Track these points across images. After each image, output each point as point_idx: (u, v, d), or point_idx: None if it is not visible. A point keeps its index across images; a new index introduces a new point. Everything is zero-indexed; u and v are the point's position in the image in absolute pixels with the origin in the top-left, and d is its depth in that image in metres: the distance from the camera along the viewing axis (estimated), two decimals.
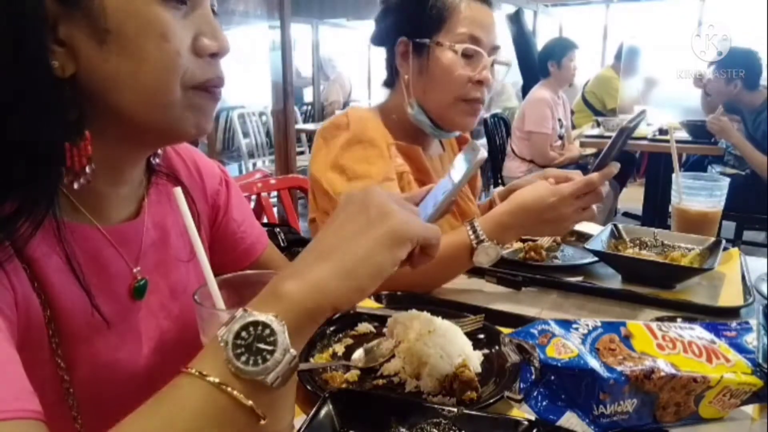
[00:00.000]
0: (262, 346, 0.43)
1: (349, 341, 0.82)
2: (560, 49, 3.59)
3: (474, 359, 0.73)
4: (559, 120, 3.62)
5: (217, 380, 0.42)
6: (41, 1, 0.51)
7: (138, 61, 0.55)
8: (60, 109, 0.54)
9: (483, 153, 0.68)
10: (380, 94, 1.31)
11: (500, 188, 1.40)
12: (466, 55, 1.14)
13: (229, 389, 0.42)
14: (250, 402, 0.42)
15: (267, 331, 0.43)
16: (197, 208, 0.79)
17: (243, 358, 0.42)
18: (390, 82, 1.27)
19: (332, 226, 0.52)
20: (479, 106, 1.19)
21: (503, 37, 4.95)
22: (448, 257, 0.93)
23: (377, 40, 1.26)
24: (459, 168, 0.71)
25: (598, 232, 1.21)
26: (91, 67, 0.55)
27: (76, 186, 0.58)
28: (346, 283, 0.47)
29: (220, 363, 0.43)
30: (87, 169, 0.58)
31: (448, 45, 1.13)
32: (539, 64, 3.68)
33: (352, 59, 7.69)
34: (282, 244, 1.27)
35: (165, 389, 0.43)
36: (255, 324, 0.43)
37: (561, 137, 3.67)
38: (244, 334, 0.43)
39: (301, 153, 5.31)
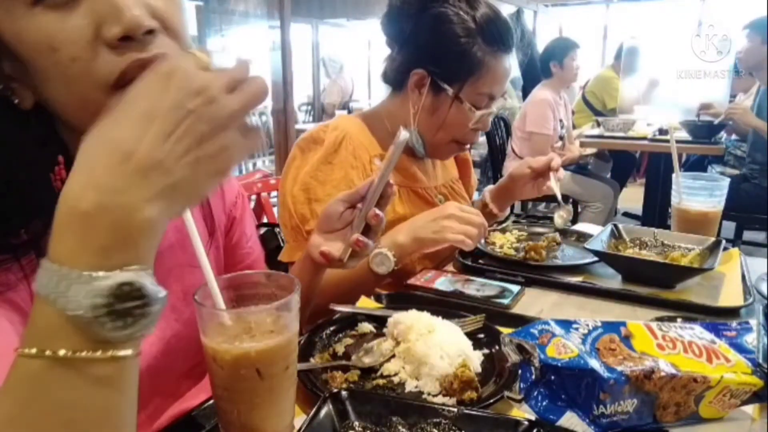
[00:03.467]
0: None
1: (349, 341, 0.82)
2: (562, 48, 3.59)
3: (474, 359, 0.73)
4: (560, 121, 3.62)
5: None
6: None
7: (47, 81, 0.52)
8: (30, 138, 0.55)
9: (404, 135, 0.70)
10: (381, 91, 1.29)
11: (491, 186, 1.40)
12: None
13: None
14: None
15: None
16: (214, 212, 0.80)
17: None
18: (393, 83, 1.23)
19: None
20: (469, 144, 1.25)
21: None
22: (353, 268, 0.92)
23: (388, 31, 1.21)
24: (389, 152, 0.73)
25: (598, 232, 1.21)
26: (38, 95, 0.54)
27: None
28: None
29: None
30: None
31: (468, 107, 1.14)
32: (541, 65, 3.68)
33: (353, 59, 7.70)
34: (281, 244, 1.27)
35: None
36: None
37: (561, 138, 3.67)
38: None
39: None
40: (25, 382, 0.40)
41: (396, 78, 1.21)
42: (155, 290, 0.41)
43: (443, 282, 1.06)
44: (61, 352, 0.38)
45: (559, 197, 1.31)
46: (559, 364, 0.65)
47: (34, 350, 0.39)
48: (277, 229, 1.37)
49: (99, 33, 0.50)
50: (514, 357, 0.69)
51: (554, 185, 1.29)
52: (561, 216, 1.35)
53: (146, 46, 0.52)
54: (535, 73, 3.98)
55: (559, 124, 3.60)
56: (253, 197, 1.82)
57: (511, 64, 1.18)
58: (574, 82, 3.75)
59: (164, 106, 0.40)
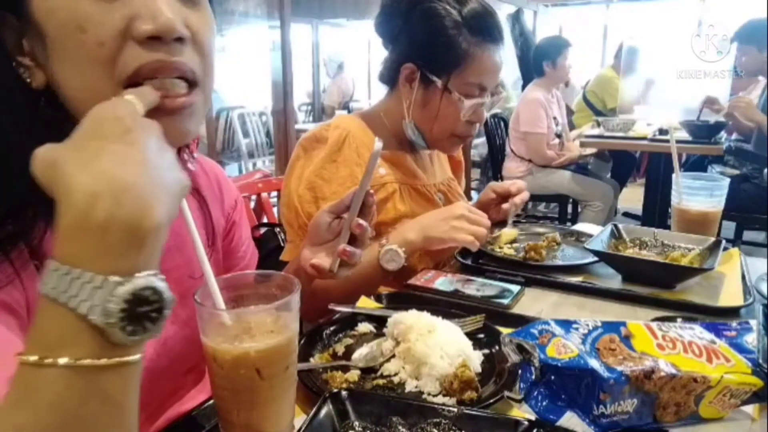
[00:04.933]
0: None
1: (349, 341, 0.82)
2: (555, 48, 3.61)
3: (474, 359, 0.73)
4: (555, 118, 3.64)
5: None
6: (3, 19, 0.53)
7: (65, 61, 0.53)
8: (37, 118, 0.55)
9: (377, 145, 0.73)
10: (380, 91, 1.31)
11: (494, 183, 1.40)
12: (472, 105, 1.16)
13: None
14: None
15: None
16: (213, 219, 0.81)
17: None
18: (388, 82, 1.26)
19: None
20: (469, 138, 1.24)
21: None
22: (362, 265, 0.94)
23: (380, 32, 1.24)
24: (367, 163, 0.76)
25: (598, 232, 1.21)
26: (49, 76, 0.55)
27: None
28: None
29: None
30: None
31: (458, 97, 1.14)
32: (534, 64, 3.70)
33: (353, 59, 7.69)
34: (282, 244, 1.27)
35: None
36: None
37: (559, 135, 3.67)
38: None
39: None
40: (37, 392, 0.38)
41: (390, 76, 1.23)
42: (169, 294, 0.41)
43: (443, 282, 1.06)
44: (71, 360, 0.38)
45: (509, 222, 1.31)
46: (559, 364, 0.65)
47: (36, 357, 0.38)
48: (277, 229, 1.37)
49: (130, 27, 0.52)
50: (514, 357, 0.69)
51: (510, 209, 1.28)
52: (503, 233, 1.31)
53: (173, 51, 0.54)
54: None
55: (554, 121, 3.61)
56: (253, 197, 1.82)
57: (502, 57, 1.18)
58: (566, 81, 3.77)
59: (130, 126, 0.42)
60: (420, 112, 1.19)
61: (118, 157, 0.40)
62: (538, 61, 3.63)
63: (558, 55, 3.55)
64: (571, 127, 4.47)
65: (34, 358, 0.38)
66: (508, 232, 1.32)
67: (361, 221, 0.78)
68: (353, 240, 0.80)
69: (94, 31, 0.51)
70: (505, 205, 1.28)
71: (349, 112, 5.63)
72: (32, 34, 0.53)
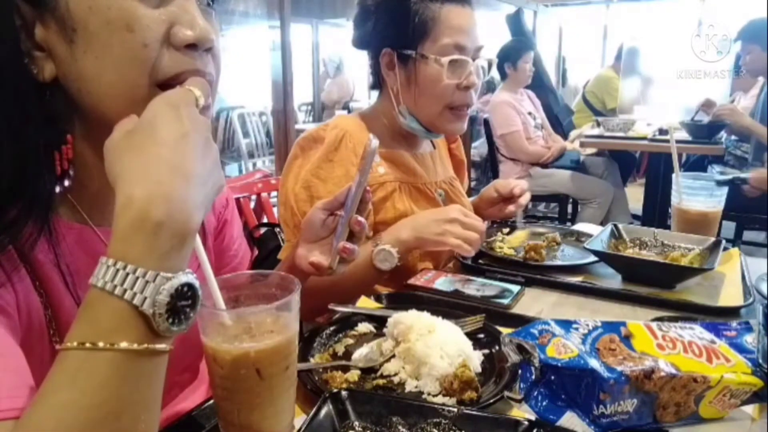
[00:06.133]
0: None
1: (349, 341, 0.82)
2: (516, 51, 3.62)
3: (474, 359, 0.73)
4: (530, 113, 3.66)
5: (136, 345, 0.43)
6: (14, 7, 0.52)
7: (102, 57, 0.53)
8: (41, 113, 0.55)
9: (374, 142, 0.74)
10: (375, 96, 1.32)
11: (498, 182, 1.40)
12: (452, 64, 1.14)
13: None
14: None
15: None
16: (205, 219, 0.80)
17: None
18: (377, 85, 1.28)
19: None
20: (466, 110, 1.21)
21: (502, 38, 4.96)
22: (356, 264, 0.94)
23: (359, 44, 1.27)
24: (362, 160, 0.77)
25: (598, 232, 1.21)
26: (66, 69, 0.55)
27: (57, 190, 0.59)
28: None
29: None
30: (70, 172, 0.59)
31: (434, 58, 1.14)
32: (497, 67, 3.72)
33: (353, 59, 7.69)
34: (282, 244, 1.27)
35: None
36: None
37: (540, 127, 3.69)
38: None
39: None
40: (84, 373, 0.41)
41: (377, 74, 1.25)
42: (201, 293, 0.47)
43: (443, 282, 1.06)
44: (123, 345, 0.42)
45: (518, 222, 1.33)
46: (559, 364, 0.65)
47: (87, 343, 0.41)
48: (277, 229, 1.37)
49: (169, 33, 0.55)
50: (514, 357, 0.69)
51: (517, 212, 1.30)
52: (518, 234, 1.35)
53: (204, 59, 0.58)
54: (536, 76, 3.96)
55: (530, 117, 3.63)
56: (253, 197, 1.82)
57: (472, 17, 1.18)
58: (527, 83, 3.77)
59: (187, 130, 0.47)
60: (407, 92, 1.19)
61: (171, 169, 0.45)
62: (500, 64, 3.65)
63: (518, 57, 3.57)
64: (571, 127, 4.47)
65: (84, 343, 0.41)
66: (521, 233, 1.34)
67: (360, 218, 0.78)
68: (350, 236, 0.80)
69: (141, 33, 0.53)
70: (511, 207, 1.29)
71: (349, 112, 5.62)
72: (52, 26, 0.53)
